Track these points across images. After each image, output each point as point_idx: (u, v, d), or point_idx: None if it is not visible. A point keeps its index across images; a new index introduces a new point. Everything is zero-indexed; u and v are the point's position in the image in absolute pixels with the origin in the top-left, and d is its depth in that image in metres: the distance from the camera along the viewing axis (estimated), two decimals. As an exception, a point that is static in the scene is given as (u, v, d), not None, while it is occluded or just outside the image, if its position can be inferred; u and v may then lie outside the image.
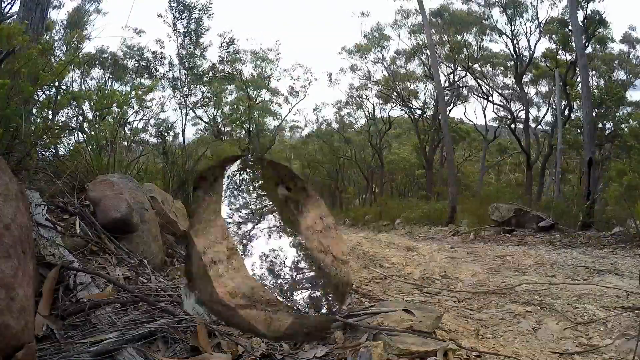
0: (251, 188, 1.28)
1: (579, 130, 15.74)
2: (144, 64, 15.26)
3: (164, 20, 13.41)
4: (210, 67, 14.73)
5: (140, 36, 21.52)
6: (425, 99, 24.15)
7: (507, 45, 19.18)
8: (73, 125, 3.73)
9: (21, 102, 2.66)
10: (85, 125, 3.79)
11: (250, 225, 1.22)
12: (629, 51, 18.25)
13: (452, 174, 13.58)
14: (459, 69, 21.84)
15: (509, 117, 20.98)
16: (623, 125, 16.47)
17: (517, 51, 18.66)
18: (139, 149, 6.33)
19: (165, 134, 14.65)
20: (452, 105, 23.14)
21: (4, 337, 1.11)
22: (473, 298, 3.45)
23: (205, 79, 14.30)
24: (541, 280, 4.03)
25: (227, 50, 15.47)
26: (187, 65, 13.41)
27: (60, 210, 2.43)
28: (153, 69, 14.87)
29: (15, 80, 2.64)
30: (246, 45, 25.02)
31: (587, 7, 15.24)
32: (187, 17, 13.17)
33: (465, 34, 20.33)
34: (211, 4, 13.46)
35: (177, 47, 13.37)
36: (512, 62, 19.35)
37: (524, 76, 19.59)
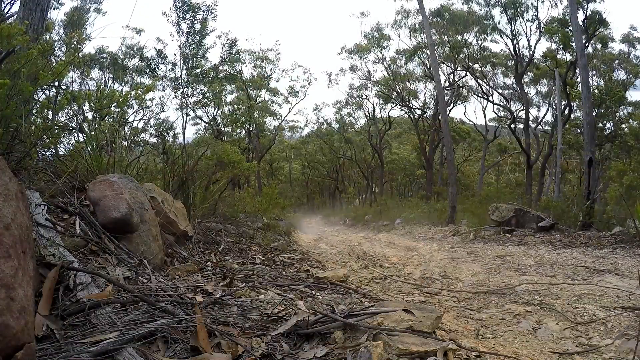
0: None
1: (579, 130, 15.72)
2: (146, 63, 15.25)
3: (167, 19, 13.39)
4: (213, 67, 14.70)
5: (140, 35, 21.55)
6: (425, 99, 24.21)
7: (507, 45, 19.19)
8: (73, 125, 3.73)
9: (21, 102, 2.66)
10: (85, 125, 3.78)
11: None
12: (629, 51, 18.25)
13: (452, 174, 13.58)
14: (459, 69, 21.84)
15: (509, 117, 20.97)
16: (623, 125, 16.45)
17: (517, 51, 18.65)
18: (139, 149, 6.33)
19: (165, 134, 14.65)
20: (452, 105, 23.15)
21: (4, 337, 1.11)
22: (473, 298, 3.45)
23: (207, 79, 14.25)
24: (541, 280, 4.03)
25: (230, 52, 15.45)
26: (190, 65, 13.37)
27: (60, 210, 2.43)
28: (155, 67, 14.82)
29: (15, 80, 2.64)
30: (246, 45, 25.12)
31: (587, 7, 15.24)
32: (192, 17, 13.15)
33: (465, 34, 20.32)
34: (216, 5, 13.44)
35: (180, 46, 13.34)
36: (512, 62, 19.34)
37: (524, 76, 19.58)
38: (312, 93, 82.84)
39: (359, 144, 28.97)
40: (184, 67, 13.43)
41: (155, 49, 14.42)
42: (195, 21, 13.30)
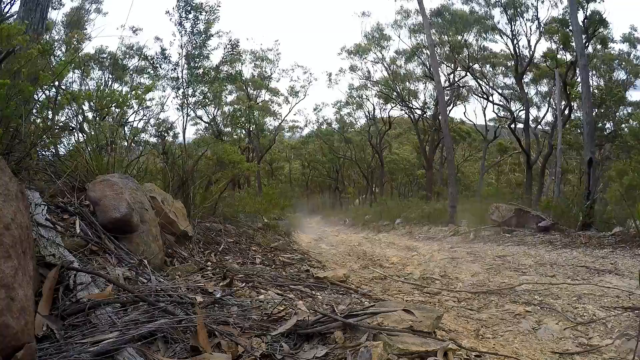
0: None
1: (579, 130, 15.73)
2: (149, 62, 15.26)
3: (170, 19, 13.40)
4: (214, 67, 14.69)
5: (136, 34, 21.53)
6: (425, 99, 24.18)
7: (507, 45, 19.17)
8: (73, 125, 3.73)
9: (21, 102, 2.66)
10: (85, 125, 3.79)
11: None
12: (629, 51, 18.22)
13: (452, 174, 13.57)
14: (459, 69, 21.83)
15: (509, 117, 20.96)
16: (623, 125, 16.46)
17: (517, 51, 18.64)
18: (139, 149, 6.34)
19: (165, 134, 14.65)
20: (452, 105, 23.14)
21: (4, 337, 1.11)
22: (473, 298, 3.45)
23: (208, 78, 14.24)
24: (541, 280, 4.03)
25: (231, 53, 15.46)
26: (192, 65, 13.36)
27: (60, 210, 2.43)
28: (159, 67, 14.82)
29: (15, 80, 2.64)
30: (246, 45, 25.10)
31: (587, 7, 15.23)
32: (195, 17, 13.16)
33: (465, 34, 20.31)
34: (219, 6, 13.46)
35: (182, 46, 13.33)
36: (512, 62, 19.33)
37: (524, 76, 19.56)
38: (312, 93, 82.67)
39: (359, 144, 28.95)
40: (185, 67, 13.43)
41: (161, 47, 14.44)
42: (199, 21, 13.32)
